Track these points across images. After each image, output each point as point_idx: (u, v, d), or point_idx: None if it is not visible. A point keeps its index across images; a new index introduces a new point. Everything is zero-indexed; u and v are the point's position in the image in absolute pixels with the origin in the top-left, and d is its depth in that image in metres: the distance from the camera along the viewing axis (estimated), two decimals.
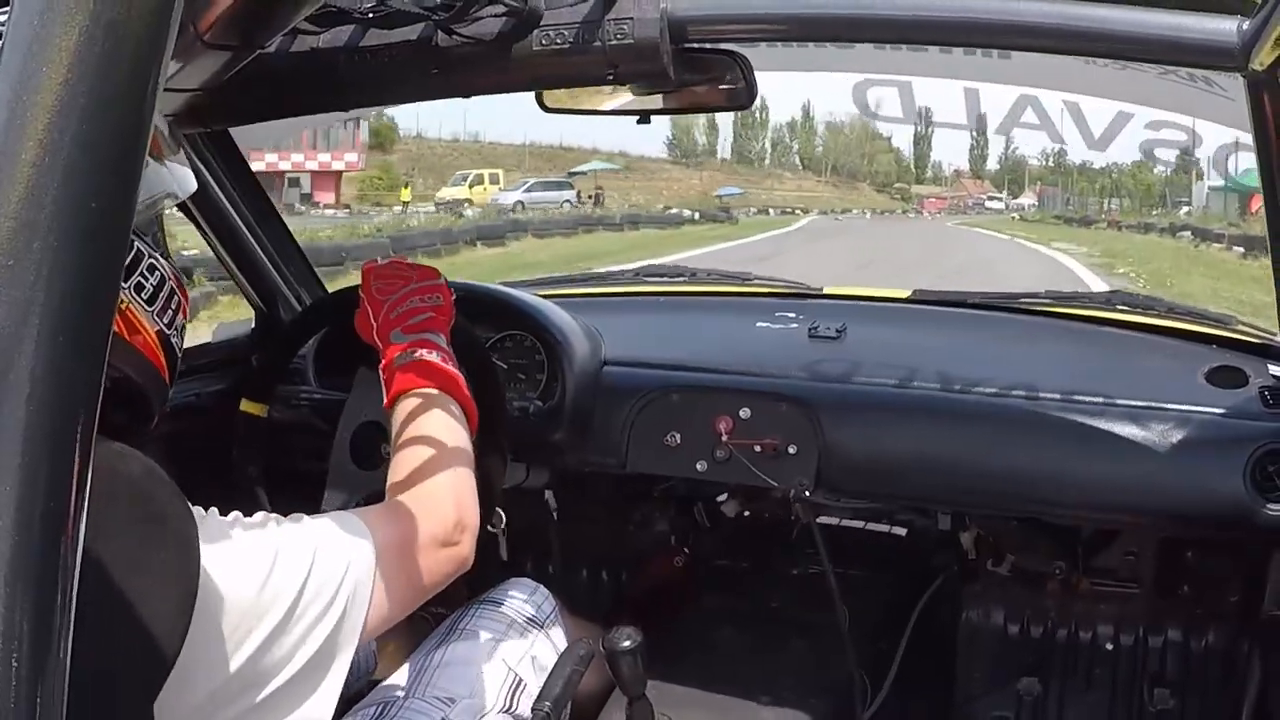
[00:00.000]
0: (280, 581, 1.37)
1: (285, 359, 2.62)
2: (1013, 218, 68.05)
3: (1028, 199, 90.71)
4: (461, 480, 1.81)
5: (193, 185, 1.78)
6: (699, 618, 3.05)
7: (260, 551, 1.39)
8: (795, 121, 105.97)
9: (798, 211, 68.41)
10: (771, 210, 67.07)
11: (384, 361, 1.98)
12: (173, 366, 1.58)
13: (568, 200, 51.62)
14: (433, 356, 1.96)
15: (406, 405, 1.91)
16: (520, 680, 2.18)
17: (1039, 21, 1.69)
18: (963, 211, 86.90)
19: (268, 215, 2.88)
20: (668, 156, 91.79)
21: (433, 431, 1.87)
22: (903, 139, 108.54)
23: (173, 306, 1.56)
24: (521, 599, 2.40)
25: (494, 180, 56.34)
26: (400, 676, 2.17)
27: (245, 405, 2.53)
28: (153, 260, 1.54)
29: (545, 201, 49.28)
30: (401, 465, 1.82)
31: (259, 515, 1.47)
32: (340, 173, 55.31)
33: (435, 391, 1.92)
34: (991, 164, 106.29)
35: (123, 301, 1.43)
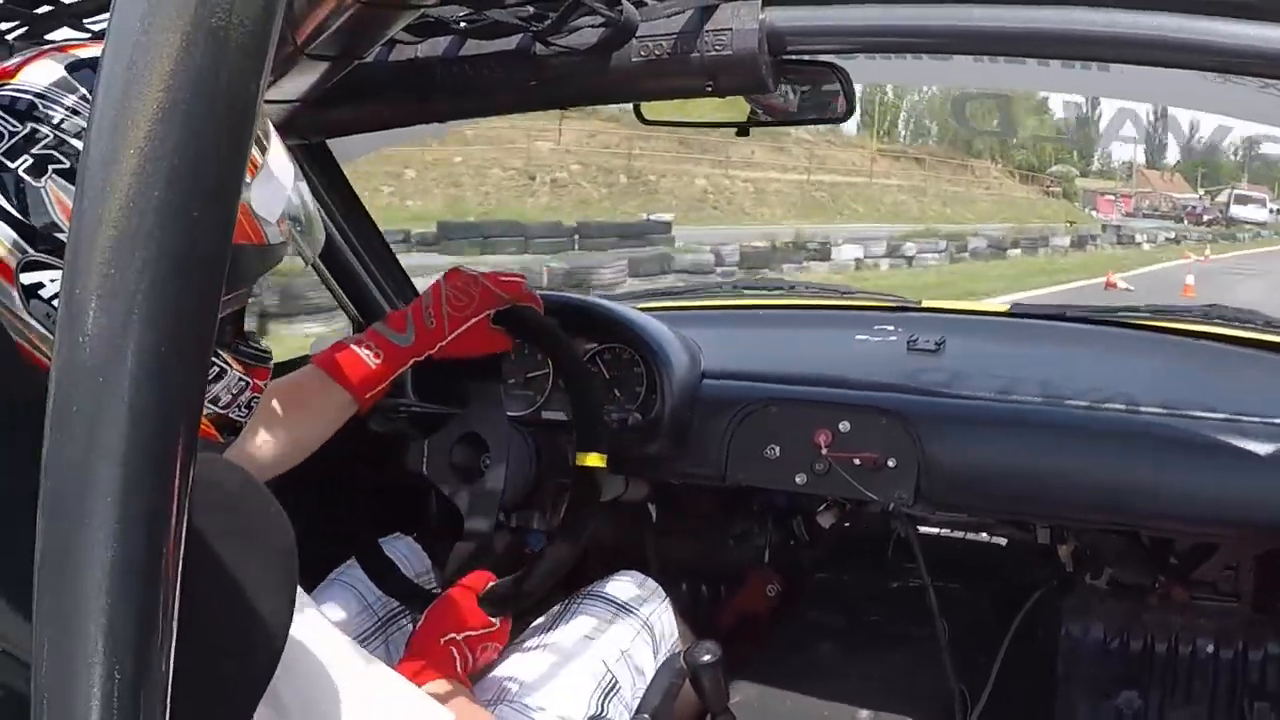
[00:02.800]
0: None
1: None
2: None
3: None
4: None
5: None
6: (796, 633, 3.04)
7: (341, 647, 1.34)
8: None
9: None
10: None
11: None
12: (231, 433, 1.61)
13: None
14: (362, 350, 2.02)
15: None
16: (615, 682, 2.17)
17: (1144, 34, 1.66)
18: (1157, 215, 73.81)
19: (365, 227, 2.89)
20: None
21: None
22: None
23: (242, 400, 1.56)
24: (628, 584, 2.41)
25: None
26: (487, 678, 2.15)
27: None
28: (214, 361, 1.53)
29: None
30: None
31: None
32: None
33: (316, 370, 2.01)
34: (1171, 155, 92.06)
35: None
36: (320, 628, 1.33)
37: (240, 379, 1.53)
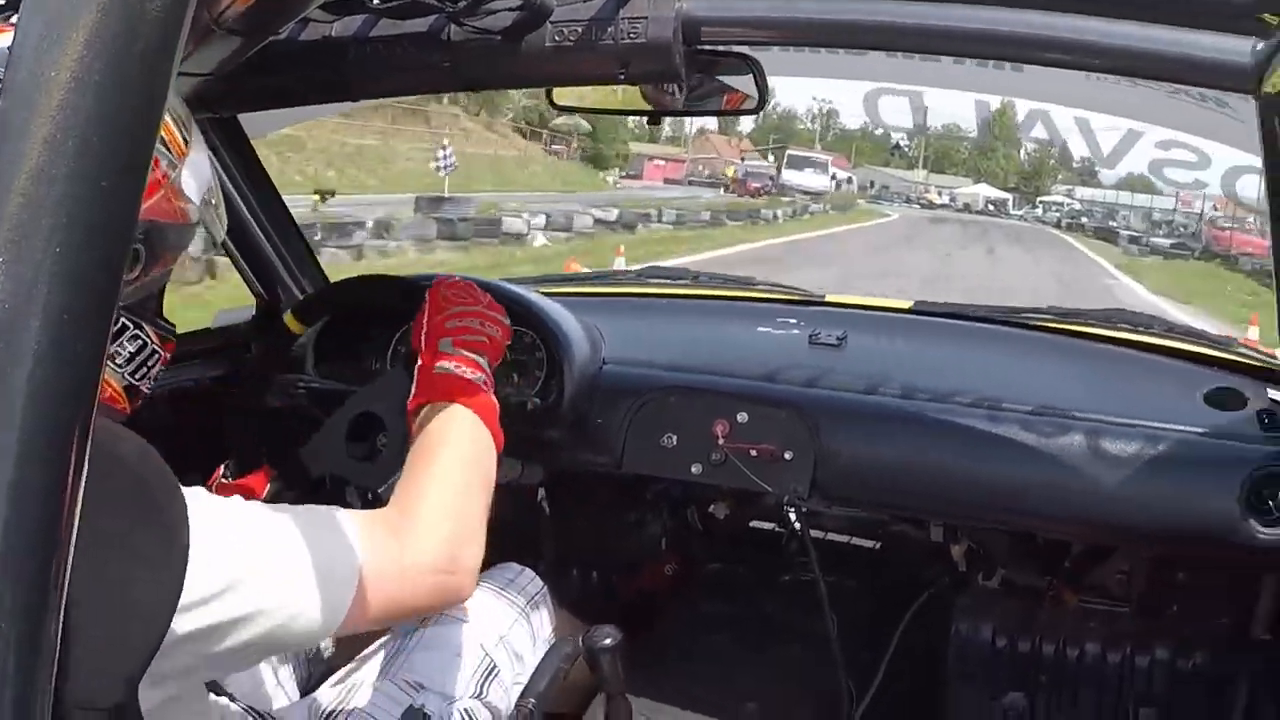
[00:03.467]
0: (257, 562, 1.35)
1: (285, 346, 2.60)
2: None
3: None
4: (470, 510, 1.76)
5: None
6: (689, 621, 3.06)
7: (247, 531, 1.37)
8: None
9: None
10: None
11: (423, 362, 1.95)
12: (136, 400, 1.60)
13: None
14: (475, 377, 1.92)
15: (435, 414, 1.86)
16: (494, 666, 2.18)
17: (1054, 35, 1.68)
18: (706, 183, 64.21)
19: (272, 203, 2.87)
20: None
21: (455, 451, 1.82)
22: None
23: (149, 364, 1.58)
24: (508, 579, 2.41)
25: None
26: (373, 657, 2.15)
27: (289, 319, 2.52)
28: (136, 332, 1.55)
29: None
30: (415, 476, 1.77)
31: (253, 503, 1.46)
32: None
33: (468, 412, 1.88)
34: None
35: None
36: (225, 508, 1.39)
37: (155, 351, 1.55)
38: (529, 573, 2.47)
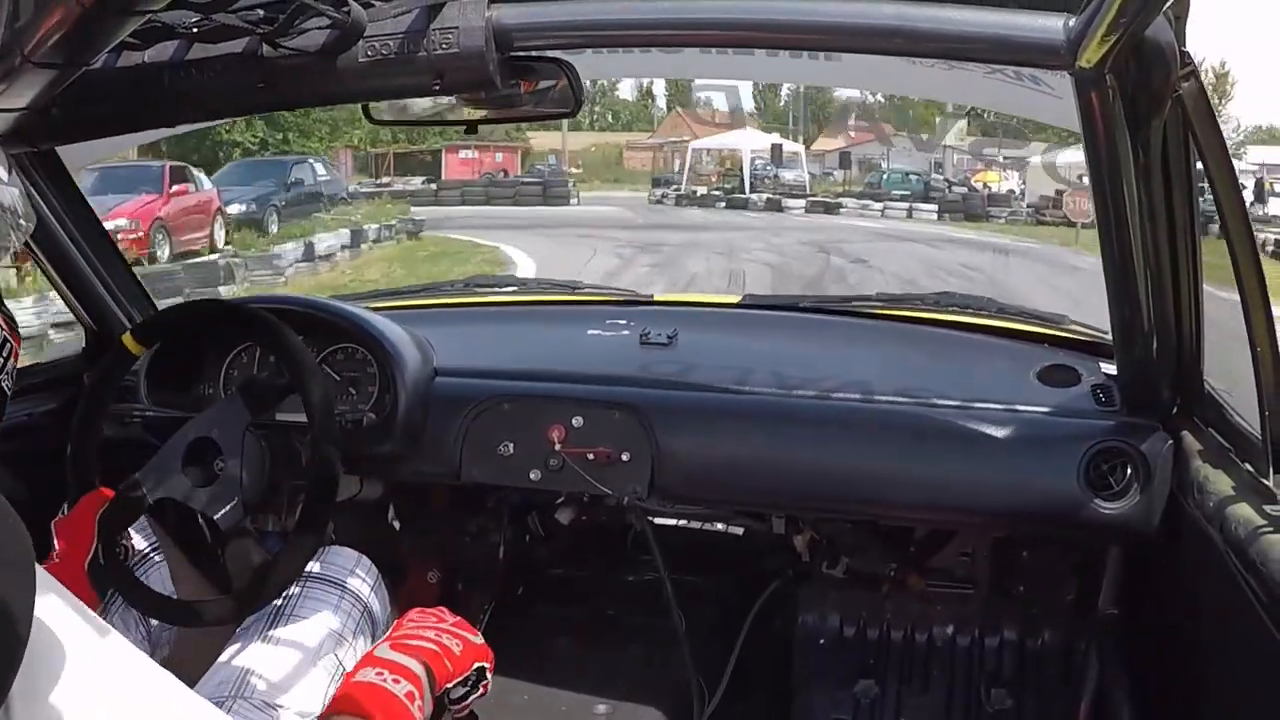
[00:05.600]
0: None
1: (90, 450, 2.53)
2: None
3: None
4: None
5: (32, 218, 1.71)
6: (533, 626, 3.07)
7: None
8: None
9: None
10: None
11: (351, 669, 1.88)
12: (2, 406, 1.52)
13: None
14: (397, 688, 1.77)
15: None
16: (344, 674, 2.15)
17: (865, 22, 1.73)
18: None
19: (96, 234, 2.84)
20: None
21: None
22: None
23: (4, 354, 1.51)
24: (346, 568, 2.37)
25: None
26: (225, 669, 2.09)
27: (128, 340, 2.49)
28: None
29: None
30: None
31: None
32: None
33: None
34: None
35: None
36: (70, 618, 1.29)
37: (6, 340, 1.47)
38: (365, 560, 2.44)
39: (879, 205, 38.64)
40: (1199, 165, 1.93)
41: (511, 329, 3.35)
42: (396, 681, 1.79)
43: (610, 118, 79.69)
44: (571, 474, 2.69)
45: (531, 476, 2.73)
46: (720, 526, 3.37)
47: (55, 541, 2.33)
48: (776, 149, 45.77)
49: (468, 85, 1.90)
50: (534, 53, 1.91)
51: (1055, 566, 3.03)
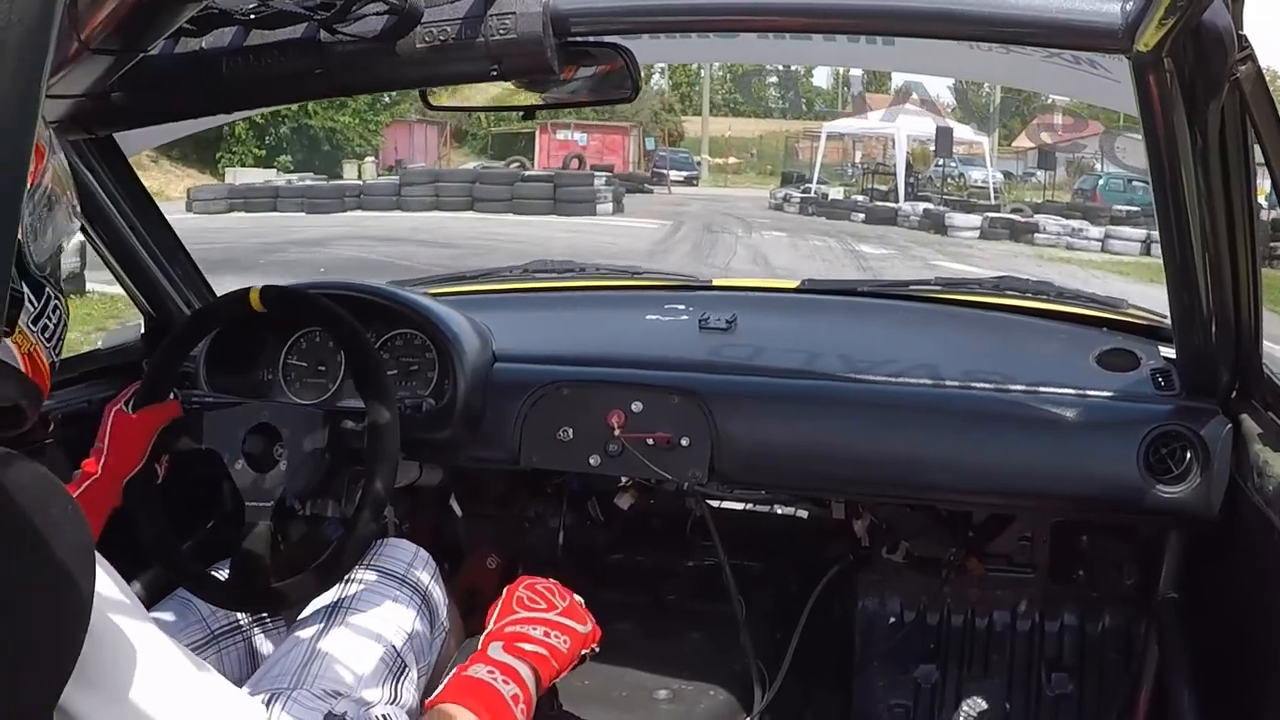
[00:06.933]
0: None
1: (177, 362, 2.57)
2: None
3: None
4: None
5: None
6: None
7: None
8: None
9: None
10: None
11: (465, 661, 1.87)
12: (51, 380, 1.54)
13: None
14: (506, 689, 1.78)
15: (442, 714, 1.74)
16: (404, 665, 2.16)
17: (922, 7, 1.72)
18: None
19: (154, 220, 2.86)
20: None
21: None
22: None
23: (60, 336, 1.52)
24: (404, 562, 2.38)
25: None
26: (285, 661, 2.10)
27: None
28: (56, 301, 1.49)
29: None
30: None
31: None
32: None
33: None
34: None
35: (32, 345, 1.39)
36: (129, 613, 1.32)
37: (63, 318, 1.47)
38: (423, 552, 2.44)
39: (1098, 231, 27.09)
40: (1256, 149, 1.91)
41: (570, 314, 3.35)
42: (506, 683, 1.79)
43: (804, 106, 76.92)
44: (631, 459, 2.68)
45: (591, 462, 2.73)
46: (780, 511, 3.35)
47: (106, 429, 2.36)
48: (944, 134, 34.18)
49: (526, 70, 1.89)
50: (590, 38, 1.89)
51: (1115, 550, 3.03)
